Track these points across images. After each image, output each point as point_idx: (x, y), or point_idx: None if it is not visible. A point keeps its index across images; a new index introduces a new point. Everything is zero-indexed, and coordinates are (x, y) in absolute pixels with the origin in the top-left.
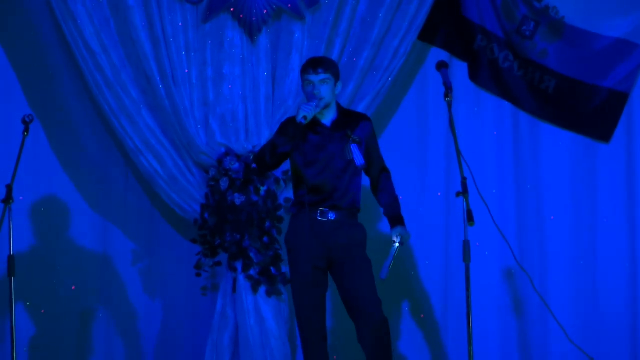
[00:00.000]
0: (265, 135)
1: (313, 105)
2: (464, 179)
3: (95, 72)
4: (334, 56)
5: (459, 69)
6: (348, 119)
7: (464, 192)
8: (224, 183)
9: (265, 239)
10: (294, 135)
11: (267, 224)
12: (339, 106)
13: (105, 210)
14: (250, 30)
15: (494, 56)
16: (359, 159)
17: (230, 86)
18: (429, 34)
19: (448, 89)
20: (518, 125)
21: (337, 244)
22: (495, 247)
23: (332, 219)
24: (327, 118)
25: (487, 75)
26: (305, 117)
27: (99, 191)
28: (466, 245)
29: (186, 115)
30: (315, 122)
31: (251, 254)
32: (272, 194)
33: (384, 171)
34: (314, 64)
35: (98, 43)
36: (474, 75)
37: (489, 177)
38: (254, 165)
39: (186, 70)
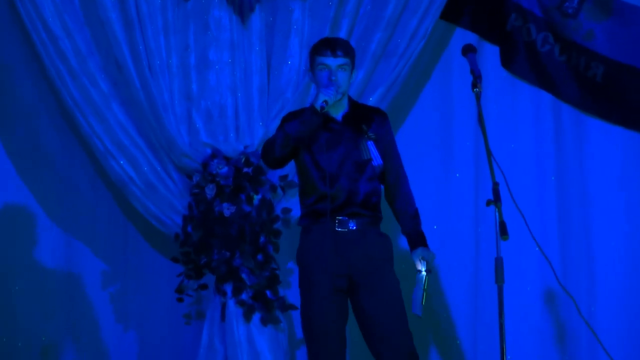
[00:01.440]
0: (259, 133)
1: (333, 91)
2: (495, 185)
3: (57, 60)
4: None
5: (490, 54)
6: (361, 113)
7: (496, 200)
8: (210, 191)
9: (259, 257)
10: (311, 122)
11: (262, 239)
12: (350, 99)
13: (69, 224)
14: (241, 9)
15: (530, 38)
16: (376, 158)
17: (217, 75)
18: (453, 13)
19: (476, 78)
20: (560, 120)
21: (360, 259)
22: (533, 265)
23: (354, 228)
24: (338, 112)
25: (522, 61)
26: (326, 102)
27: (63, 201)
28: (499, 263)
29: (165, 110)
30: (324, 117)
31: (243, 275)
32: (268, 203)
33: (402, 177)
34: (332, 45)
35: (60, 25)
36: (507, 61)
37: (525, 182)
38: (245, 170)
39: (165, 57)
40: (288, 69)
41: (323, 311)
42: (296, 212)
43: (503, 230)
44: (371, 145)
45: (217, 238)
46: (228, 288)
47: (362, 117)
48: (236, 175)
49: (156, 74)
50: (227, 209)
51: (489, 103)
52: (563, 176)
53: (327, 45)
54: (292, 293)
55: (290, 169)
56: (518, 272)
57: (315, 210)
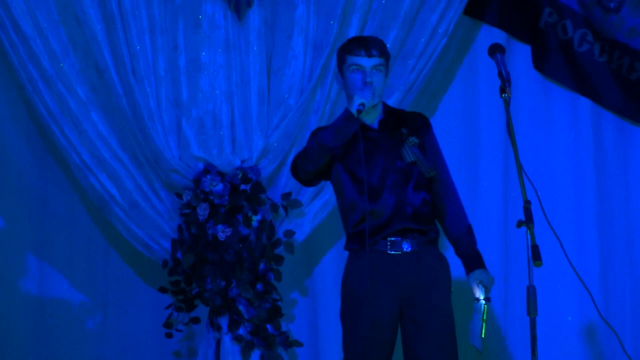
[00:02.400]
0: (258, 146)
1: (369, 93)
2: (527, 203)
3: (28, 63)
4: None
5: (520, 54)
6: (398, 118)
7: (528, 220)
8: (202, 211)
9: (259, 286)
10: (347, 129)
11: (262, 265)
12: (384, 104)
13: (42, 249)
14: (237, 4)
15: (567, 36)
16: (424, 163)
17: (210, 80)
18: (479, 8)
19: (505, 82)
20: (600, 130)
21: (412, 288)
22: (570, 294)
23: (408, 250)
24: (373, 118)
25: (557, 62)
26: (362, 105)
27: (34, 223)
28: (531, 292)
29: (151, 119)
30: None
31: (240, 307)
32: (268, 225)
33: (451, 189)
34: (366, 44)
35: (32, 24)
36: (540, 62)
37: (561, 200)
38: (242, 187)
39: (151, 59)
40: (291, 72)
41: (369, 349)
42: (300, 234)
43: (536, 256)
44: (416, 150)
45: (211, 265)
46: (223, 322)
47: (401, 122)
48: (232, 193)
49: (141, 79)
50: (222, 232)
51: (519, 110)
52: (604, 194)
53: (361, 44)
54: (296, 327)
55: (292, 185)
56: (553, 302)
57: (360, 232)
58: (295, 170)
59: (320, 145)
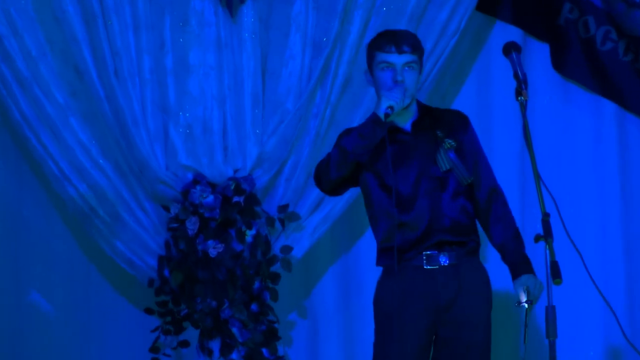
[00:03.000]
0: (252, 154)
1: (400, 94)
2: (545, 216)
3: (2, 63)
4: (352, 36)
5: (538, 54)
6: (434, 118)
7: (546, 235)
8: (192, 225)
9: (254, 307)
10: (373, 134)
11: (257, 284)
12: (419, 103)
13: (17, 266)
14: (230, 0)
15: (588, 34)
16: (461, 170)
17: (200, 82)
18: (492, 3)
19: (521, 84)
20: (625, 136)
21: (453, 302)
22: (593, 315)
23: (446, 264)
24: (406, 119)
25: (578, 62)
26: (391, 109)
27: (9, 238)
28: (550, 313)
29: (135, 125)
30: (390, 127)
31: (234, 330)
32: (264, 240)
33: (496, 192)
34: (397, 39)
35: (5, 22)
36: (559, 62)
37: (583, 212)
38: (235, 199)
39: (135, 60)
40: (288, 74)
41: None
42: (298, 250)
43: (555, 273)
44: (453, 155)
45: (201, 284)
46: (215, 346)
47: (437, 122)
48: (224, 205)
49: (124, 81)
50: (213, 248)
51: (537, 114)
52: (630, 206)
53: (391, 39)
54: (294, 352)
55: (290, 197)
56: (574, 324)
57: (391, 246)
58: (318, 179)
59: (343, 151)
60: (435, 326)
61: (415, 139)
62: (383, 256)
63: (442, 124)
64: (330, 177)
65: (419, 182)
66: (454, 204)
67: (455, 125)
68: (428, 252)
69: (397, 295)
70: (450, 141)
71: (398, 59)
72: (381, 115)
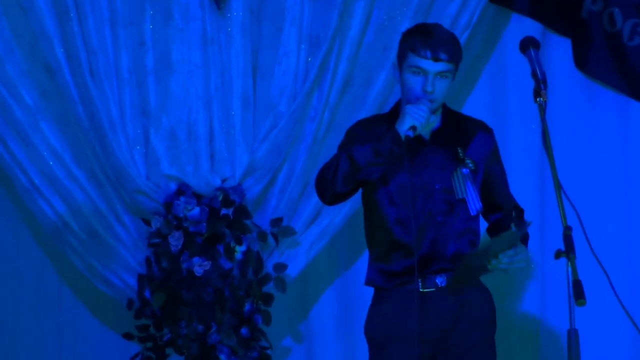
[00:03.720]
0: (242, 161)
1: (425, 112)
2: (567, 230)
3: None
4: (353, 31)
5: (558, 50)
6: (457, 127)
7: (568, 250)
8: (175, 240)
9: (244, 331)
10: (390, 154)
11: (248, 306)
12: (444, 107)
13: None
14: None
15: (614, 28)
16: (473, 202)
17: (184, 82)
18: None
19: (540, 83)
20: None
21: (453, 327)
22: (620, 338)
23: (443, 285)
24: (427, 126)
25: (603, 59)
26: (414, 129)
27: None
28: (573, 336)
29: (112, 129)
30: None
31: (222, 357)
32: (255, 257)
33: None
34: (434, 44)
35: None
36: (582, 59)
37: (608, 225)
38: (223, 211)
39: (112, 57)
40: (281, 72)
41: None
42: (293, 268)
43: (578, 293)
44: (468, 182)
45: (186, 305)
46: None
47: (459, 134)
48: (211, 218)
49: (100, 81)
50: (199, 266)
51: (557, 117)
52: None
53: (428, 42)
54: None
55: (284, 209)
56: (599, 348)
57: (386, 266)
58: (321, 190)
59: (355, 165)
60: (434, 355)
61: (432, 150)
62: (375, 277)
63: (464, 137)
64: (335, 190)
65: (428, 199)
66: (461, 231)
67: (478, 139)
68: (424, 276)
69: (391, 320)
70: (469, 163)
71: (432, 67)
72: (402, 134)
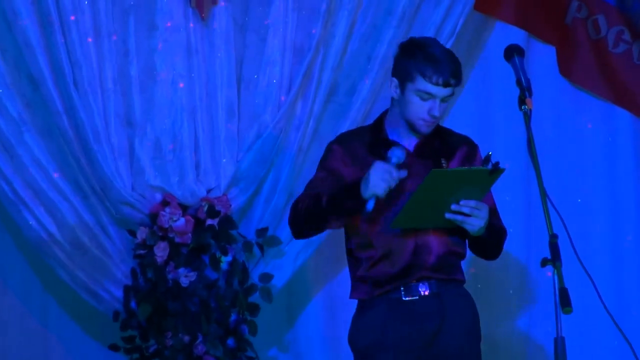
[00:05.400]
0: (227, 171)
1: (392, 179)
2: (553, 238)
3: None
4: (337, 40)
5: (543, 57)
6: (442, 140)
7: (554, 258)
8: (161, 251)
9: (230, 341)
10: (352, 210)
11: (234, 316)
12: None
13: None
14: (200, 1)
15: (599, 35)
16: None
17: (168, 92)
18: (491, 1)
19: (525, 91)
20: None
21: (437, 335)
22: (607, 346)
23: (425, 294)
24: (411, 137)
25: (588, 67)
26: (377, 198)
27: None
28: (560, 345)
29: (97, 140)
30: (389, 142)
31: None
32: (241, 268)
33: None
34: (446, 71)
35: None
36: (567, 67)
37: (594, 233)
38: (209, 222)
39: (96, 68)
40: (266, 82)
41: None
42: (279, 278)
43: (564, 301)
44: None
45: (172, 316)
46: None
47: (444, 146)
48: (196, 229)
49: (85, 92)
50: (185, 277)
51: (543, 124)
52: None
53: (439, 69)
54: None
55: (269, 219)
56: (586, 356)
57: (368, 277)
58: (291, 225)
59: (321, 212)
60: (423, 356)
61: (415, 162)
62: (357, 288)
63: (449, 150)
64: (302, 233)
65: None
66: (442, 241)
67: (461, 153)
68: (405, 285)
69: (374, 331)
70: None
71: (441, 92)
72: (368, 208)
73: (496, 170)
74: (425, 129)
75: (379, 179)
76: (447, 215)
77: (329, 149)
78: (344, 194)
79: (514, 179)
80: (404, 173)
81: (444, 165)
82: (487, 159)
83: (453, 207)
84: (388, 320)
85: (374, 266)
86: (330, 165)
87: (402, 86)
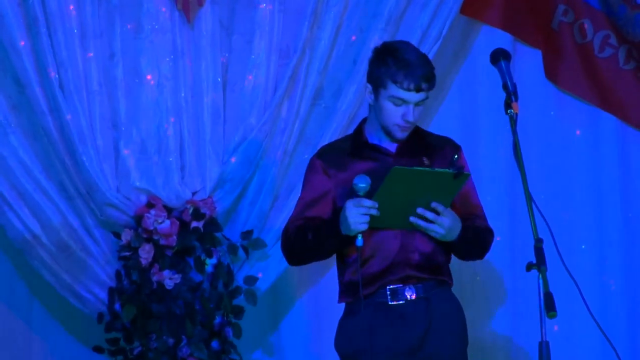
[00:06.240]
0: (213, 174)
1: (365, 218)
2: (538, 242)
3: None
4: (324, 42)
5: (529, 61)
6: (424, 140)
7: (539, 263)
8: (145, 253)
9: (214, 344)
10: (335, 245)
11: (218, 319)
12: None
13: None
14: (186, 3)
15: (585, 39)
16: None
17: (153, 94)
18: (478, 5)
19: (511, 95)
20: (628, 153)
21: (424, 340)
22: (591, 351)
23: (412, 298)
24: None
25: (574, 71)
26: (362, 235)
27: None
28: (544, 349)
29: (82, 142)
30: (370, 145)
31: None
32: (226, 270)
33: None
34: (418, 77)
35: None
36: (553, 71)
37: (580, 237)
38: (194, 224)
39: (82, 70)
40: (252, 85)
41: None
42: (264, 281)
43: (549, 305)
44: None
45: (156, 319)
46: None
47: (425, 148)
48: (181, 231)
49: (70, 94)
50: (170, 279)
51: (528, 129)
52: (633, 229)
53: (411, 76)
54: None
55: (254, 222)
56: None
57: (355, 280)
58: (282, 249)
59: (306, 243)
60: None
61: (397, 162)
62: (344, 292)
63: (431, 150)
64: (291, 263)
65: None
66: (428, 240)
67: (444, 154)
68: (392, 286)
69: (361, 336)
70: None
71: (414, 98)
72: (359, 245)
73: (460, 175)
74: (400, 134)
75: (356, 217)
76: (411, 219)
77: (311, 164)
78: (329, 233)
79: (499, 183)
80: (375, 203)
81: (425, 164)
82: (452, 162)
83: (418, 211)
84: (374, 325)
85: (361, 267)
86: (313, 181)
87: (376, 92)
